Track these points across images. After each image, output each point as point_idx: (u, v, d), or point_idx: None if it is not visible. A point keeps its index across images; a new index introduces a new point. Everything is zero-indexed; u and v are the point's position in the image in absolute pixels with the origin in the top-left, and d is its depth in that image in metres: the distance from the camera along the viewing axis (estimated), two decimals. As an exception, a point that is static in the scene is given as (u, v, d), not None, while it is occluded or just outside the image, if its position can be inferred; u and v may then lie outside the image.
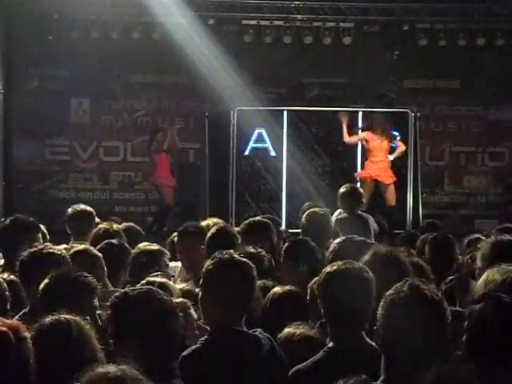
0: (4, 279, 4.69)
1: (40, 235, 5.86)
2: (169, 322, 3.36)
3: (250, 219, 6.78)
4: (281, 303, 4.42)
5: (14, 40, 14.52)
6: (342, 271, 3.70)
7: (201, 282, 3.88)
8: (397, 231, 11.22)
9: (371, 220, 8.51)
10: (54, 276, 4.01)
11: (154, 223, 13.75)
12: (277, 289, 4.57)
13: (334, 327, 3.65)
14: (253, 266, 3.90)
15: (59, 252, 4.78)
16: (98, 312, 4.09)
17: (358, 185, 11.63)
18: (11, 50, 14.56)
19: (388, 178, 12.50)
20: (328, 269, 3.77)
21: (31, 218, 6.11)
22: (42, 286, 3.99)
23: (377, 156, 12.48)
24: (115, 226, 6.88)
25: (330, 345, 3.63)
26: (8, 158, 14.62)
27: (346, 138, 12.96)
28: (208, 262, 3.87)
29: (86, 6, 14.09)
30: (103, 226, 6.61)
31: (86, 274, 4.08)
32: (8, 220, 5.97)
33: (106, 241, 5.62)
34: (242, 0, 14.44)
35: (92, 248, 5.26)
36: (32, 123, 14.76)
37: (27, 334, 3.13)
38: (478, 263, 4.76)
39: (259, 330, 3.83)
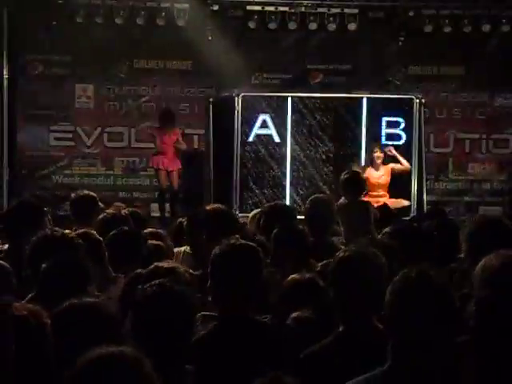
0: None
1: (47, 219, 5.83)
2: (183, 317, 3.38)
3: (274, 202, 6.80)
4: (298, 290, 4.40)
5: (18, 26, 14.51)
6: (354, 256, 3.69)
7: (209, 268, 3.88)
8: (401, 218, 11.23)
9: (372, 206, 8.50)
10: (50, 262, 4.00)
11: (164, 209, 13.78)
12: (295, 276, 4.57)
13: (344, 312, 3.65)
14: (260, 250, 3.91)
15: (71, 235, 4.75)
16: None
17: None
18: (15, 36, 14.55)
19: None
20: (340, 254, 3.77)
21: (37, 201, 6.08)
22: (41, 271, 3.98)
23: (376, 191, 12.32)
24: (123, 211, 6.88)
25: (341, 329, 3.63)
26: (12, 143, 14.64)
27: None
28: (215, 249, 3.88)
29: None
30: (111, 211, 6.60)
31: (82, 262, 4.07)
32: (14, 203, 5.94)
33: (122, 228, 5.56)
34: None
35: (93, 232, 5.22)
36: (36, 109, 14.77)
37: (48, 320, 3.14)
38: (463, 245, 4.80)
39: (268, 316, 3.84)
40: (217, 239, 4.48)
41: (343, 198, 8.83)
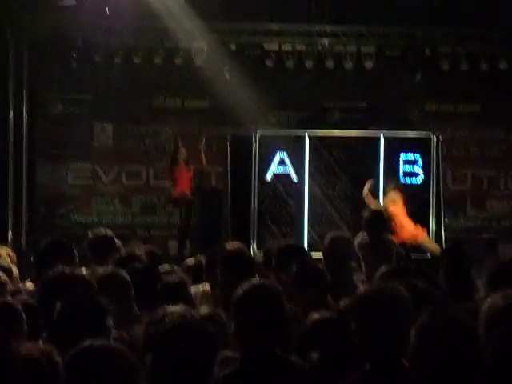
0: (23, 303, 4.68)
1: (77, 259, 5.84)
2: (204, 351, 3.37)
3: (283, 242, 6.78)
4: (319, 329, 4.36)
5: (38, 65, 14.66)
6: (376, 292, 3.65)
7: (231, 311, 3.85)
8: (419, 255, 11.19)
9: (395, 244, 8.43)
10: (67, 300, 3.98)
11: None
12: (316, 315, 4.53)
13: (369, 350, 3.59)
14: (281, 289, 3.89)
15: (81, 274, 4.73)
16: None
17: None
18: (35, 75, 14.69)
19: (409, 238, 12.06)
20: (362, 290, 3.74)
21: (67, 241, 6.10)
22: (56, 311, 3.95)
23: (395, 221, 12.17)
24: (137, 250, 6.87)
25: (367, 367, 3.59)
26: (32, 182, 14.71)
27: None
28: (237, 290, 3.85)
29: (108, 32, 14.24)
30: (126, 250, 6.60)
31: (99, 297, 4.05)
32: (44, 243, 5.95)
33: (134, 265, 5.55)
34: (263, 25, 14.52)
35: (120, 271, 5.19)
36: (55, 148, 14.87)
37: (59, 359, 3.12)
38: (482, 285, 4.75)
39: (294, 356, 3.82)
40: (234, 279, 4.49)
41: (361, 235, 8.80)
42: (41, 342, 3.80)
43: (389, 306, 3.56)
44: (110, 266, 5.67)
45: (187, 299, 5.42)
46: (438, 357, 2.97)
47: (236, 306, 3.79)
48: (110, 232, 7.09)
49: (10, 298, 4.84)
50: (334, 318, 4.41)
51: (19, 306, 4.50)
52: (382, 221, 8.59)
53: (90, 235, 7.02)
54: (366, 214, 8.58)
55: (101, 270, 5.31)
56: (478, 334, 3.08)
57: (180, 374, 3.32)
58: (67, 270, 4.68)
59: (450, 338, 2.98)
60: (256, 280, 3.94)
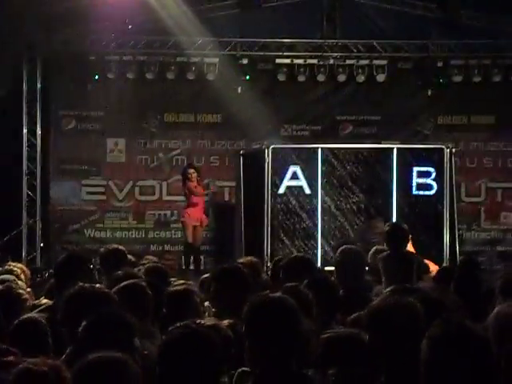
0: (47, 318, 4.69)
1: (96, 272, 5.84)
2: (209, 358, 3.36)
3: (293, 255, 6.77)
4: (337, 345, 4.31)
5: (51, 82, 14.75)
6: (388, 305, 3.62)
7: (243, 327, 3.80)
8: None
9: (416, 257, 8.39)
10: (94, 316, 3.96)
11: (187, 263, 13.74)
12: (333, 330, 4.48)
13: (385, 364, 3.57)
14: (293, 302, 3.84)
15: (104, 290, 4.71)
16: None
17: None
18: (48, 92, 14.77)
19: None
20: (375, 303, 3.71)
21: (86, 254, 6.11)
22: (82, 326, 3.93)
23: None
24: (137, 269, 6.79)
25: (382, 379, 3.56)
26: (45, 198, 14.77)
27: None
28: (246, 306, 3.81)
29: (121, 48, 14.33)
30: (123, 269, 6.52)
31: (127, 314, 4.02)
32: (62, 256, 5.95)
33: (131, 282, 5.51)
34: (275, 39, 14.57)
35: (143, 285, 5.14)
36: (69, 163, 14.92)
37: (68, 374, 3.12)
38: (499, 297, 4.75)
39: (311, 370, 3.77)
40: (224, 295, 4.66)
41: (374, 248, 8.76)
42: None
43: (401, 317, 3.53)
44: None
45: (193, 308, 5.40)
46: (449, 369, 2.94)
47: (246, 322, 3.75)
48: (121, 247, 7.10)
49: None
50: (352, 333, 4.36)
51: (44, 321, 4.51)
52: (402, 233, 8.56)
53: (101, 250, 7.04)
54: (386, 226, 8.56)
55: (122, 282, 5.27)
56: (491, 344, 3.04)
57: (184, 377, 3.28)
58: (89, 285, 4.68)
59: (463, 349, 2.94)
60: (268, 294, 3.89)
